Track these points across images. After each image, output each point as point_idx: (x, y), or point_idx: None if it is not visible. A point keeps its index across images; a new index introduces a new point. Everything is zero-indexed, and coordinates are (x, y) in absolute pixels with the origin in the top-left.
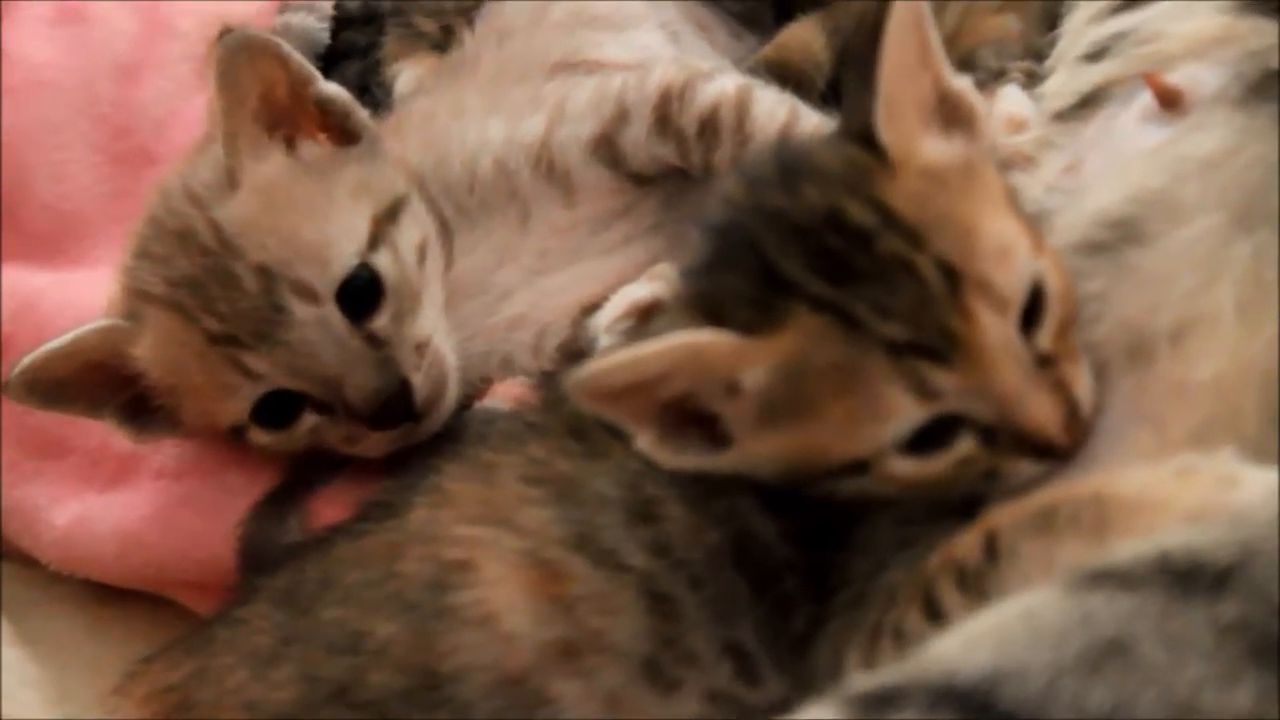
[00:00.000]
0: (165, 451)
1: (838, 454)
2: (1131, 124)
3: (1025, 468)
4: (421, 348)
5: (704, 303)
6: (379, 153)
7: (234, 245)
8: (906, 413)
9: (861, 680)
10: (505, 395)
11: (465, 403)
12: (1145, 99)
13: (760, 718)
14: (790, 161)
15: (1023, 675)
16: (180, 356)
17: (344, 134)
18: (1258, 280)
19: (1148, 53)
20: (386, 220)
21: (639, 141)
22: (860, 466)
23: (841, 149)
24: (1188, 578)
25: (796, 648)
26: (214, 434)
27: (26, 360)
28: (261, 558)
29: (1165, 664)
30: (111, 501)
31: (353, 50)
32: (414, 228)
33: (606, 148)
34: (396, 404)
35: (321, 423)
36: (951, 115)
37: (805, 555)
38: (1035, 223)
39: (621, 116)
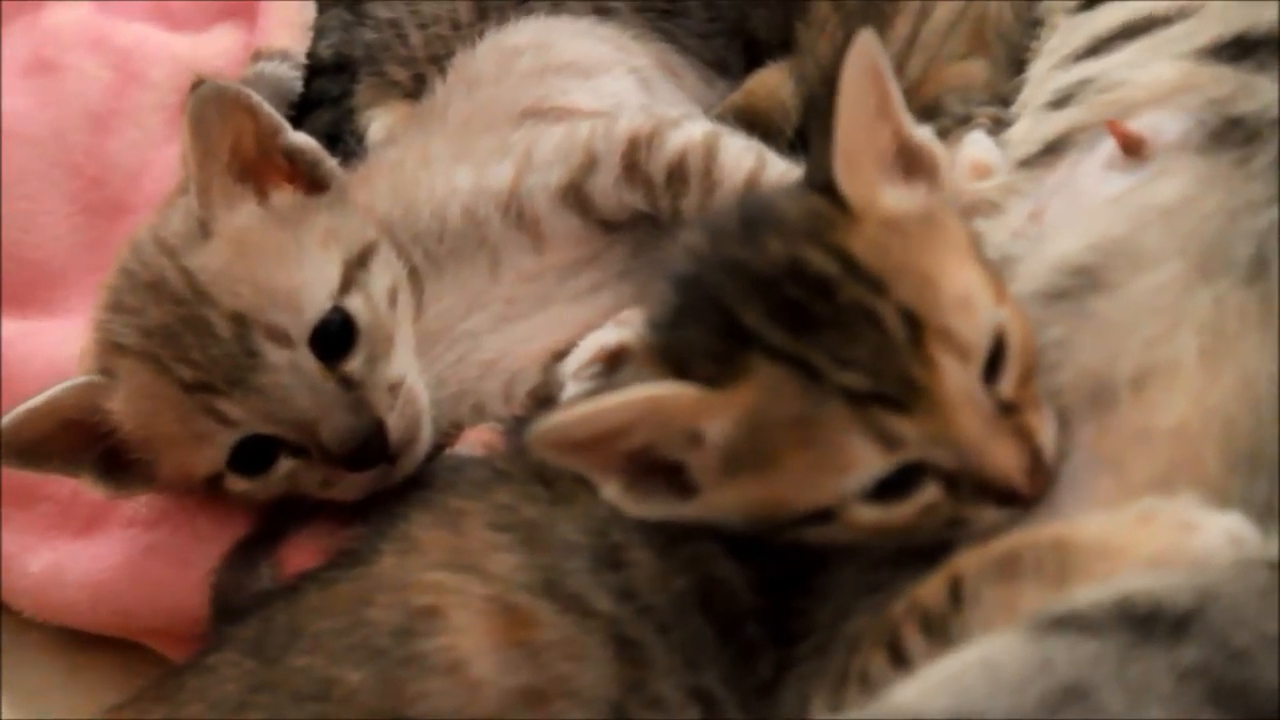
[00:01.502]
0: (137, 500)
1: (802, 503)
2: (1095, 171)
3: (989, 515)
4: (395, 388)
5: (668, 354)
6: (347, 200)
7: (207, 293)
8: (869, 462)
9: None
10: (475, 441)
11: (436, 449)
12: (1108, 146)
13: None
14: (752, 212)
15: None
16: (155, 407)
17: (313, 183)
18: (1218, 328)
19: (1111, 100)
20: (357, 266)
21: (607, 189)
22: (825, 515)
23: (804, 199)
24: (1148, 622)
25: (762, 693)
26: (189, 486)
27: (3, 422)
28: (233, 606)
29: (1124, 708)
30: (83, 550)
31: (325, 98)
32: (384, 273)
33: (575, 195)
34: (372, 445)
35: (298, 466)
36: (913, 165)
37: (771, 602)
38: (998, 271)
39: (590, 165)
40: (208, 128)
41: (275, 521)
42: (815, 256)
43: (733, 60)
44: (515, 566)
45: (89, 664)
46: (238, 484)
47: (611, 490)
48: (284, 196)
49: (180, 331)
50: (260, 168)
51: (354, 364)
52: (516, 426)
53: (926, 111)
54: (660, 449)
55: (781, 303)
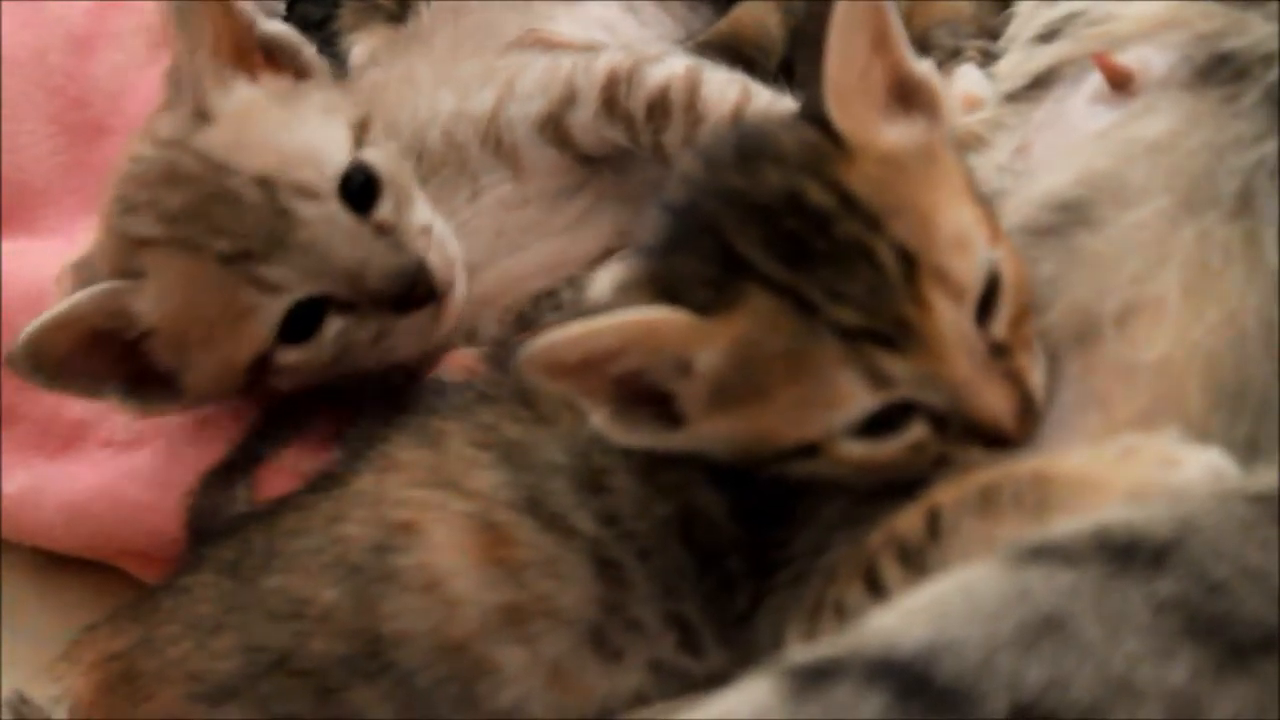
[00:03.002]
0: (114, 420)
1: (788, 437)
2: (1081, 105)
3: (976, 456)
4: (426, 231)
5: (660, 282)
6: (332, 84)
7: (225, 164)
8: (858, 399)
9: (799, 653)
10: (456, 366)
11: (419, 372)
12: (1095, 80)
13: (700, 689)
14: (749, 142)
15: (960, 649)
16: (192, 294)
17: (297, 72)
18: (1203, 264)
19: (1098, 33)
20: (360, 130)
21: (586, 124)
22: (811, 450)
23: (800, 132)
24: (1126, 553)
25: (740, 622)
26: (224, 387)
27: (26, 333)
28: (209, 529)
29: (1101, 639)
30: (60, 471)
31: (308, 23)
32: (385, 139)
33: (553, 128)
34: (420, 282)
35: (347, 324)
36: (912, 98)
37: (751, 532)
38: (992, 209)
39: (569, 98)
40: (188, 20)
41: (252, 445)
42: (813, 190)
43: None
44: (496, 484)
45: (60, 586)
46: (288, 356)
47: (600, 417)
48: (273, 80)
49: (207, 207)
50: (245, 59)
51: (383, 211)
52: (498, 350)
53: (916, 46)
54: (649, 377)
55: (778, 234)
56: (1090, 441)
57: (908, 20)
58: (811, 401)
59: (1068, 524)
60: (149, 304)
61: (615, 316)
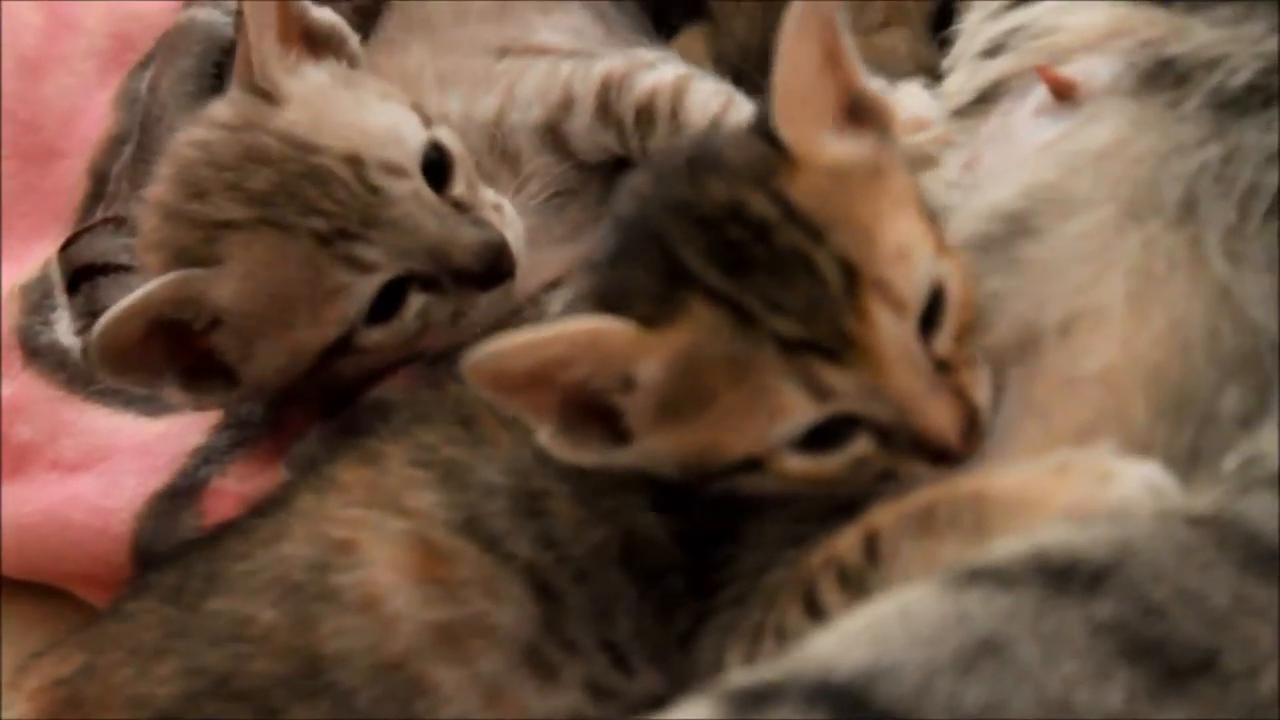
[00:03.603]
0: (62, 443)
1: (732, 451)
2: (1027, 118)
3: (921, 471)
4: (498, 209)
5: (606, 294)
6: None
7: (311, 143)
8: (800, 411)
9: (738, 677)
10: (396, 384)
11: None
12: (1041, 93)
13: (638, 710)
14: (699, 154)
15: (898, 673)
16: (279, 276)
17: (346, 60)
18: (1147, 272)
19: (1043, 46)
20: (421, 112)
21: (582, 131)
22: (755, 464)
23: (748, 144)
24: (1064, 576)
25: (681, 643)
26: (288, 377)
27: (101, 322)
28: (156, 553)
29: (1039, 662)
30: (8, 494)
31: None
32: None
33: (552, 135)
34: (503, 257)
35: (429, 301)
36: (863, 115)
37: (694, 555)
38: (940, 225)
39: (567, 105)
40: (256, 6)
41: (194, 470)
42: (756, 200)
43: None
44: (435, 503)
45: (10, 611)
46: (371, 336)
47: (546, 435)
48: (331, 64)
49: (296, 187)
50: (305, 44)
51: (458, 189)
52: (435, 370)
53: None
54: (595, 390)
55: (721, 243)
56: (1033, 455)
57: None
58: (753, 413)
59: (1006, 545)
60: (225, 289)
61: (559, 326)
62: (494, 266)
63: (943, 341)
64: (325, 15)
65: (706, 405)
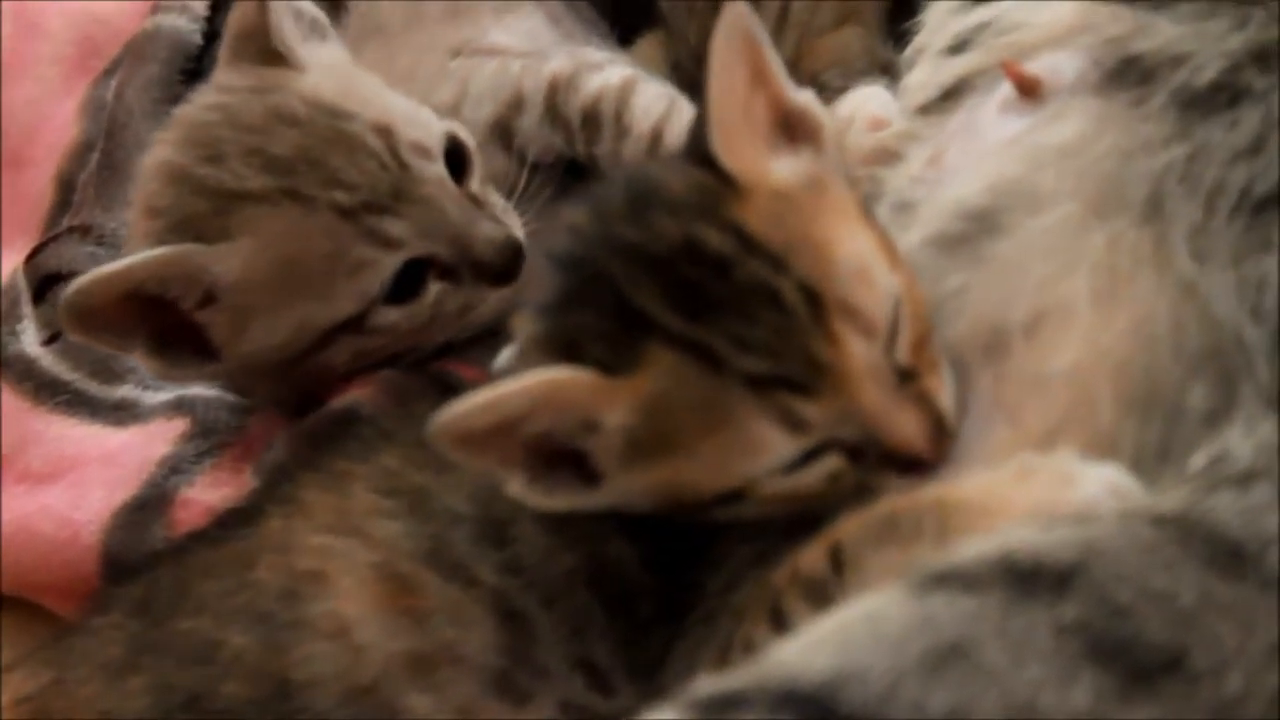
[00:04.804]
0: (30, 454)
1: (712, 487)
2: (992, 114)
3: (893, 481)
4: (507, 210)
5: (561, 341)
6: None
7: (341, 109)
8: (780, 445)
9: (705, 684)
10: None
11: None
12: (1006, 89)
13: None
14: (638, 189)
15: (864, 678)
16: (296, 249)
17: None
18: (1112, 269)
19: (1008, 42)
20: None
21: (532, 130)
22: (735, 496)
23: (688, 174)
24: (1029, 579)
25: (651, 666)
26: (280, 357)
27: (77, 282)
28: (124, 565)
29: (1005, 665)
30: None
31: None
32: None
33: (502, 133)
34: (519, 255)
35: (445, 290)
36: (796, 130)
37: (664, 579)
38: (888, 236)
39: (517, 103)
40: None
41: (165, 479)
42: (710, 235)
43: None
44: (400, 533)
45: None
46: (387, 316)
47: (517, 485)
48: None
49: (322, 154)
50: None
51: (474, 184)
52: (396, 381)
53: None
54: (560, 437)
55: (676, 285)
56: (1003, 456)
57: (796, 64)
58: (730, 452)
59: (971, 548)
60: (231, 266)
61: (520, 380)
62: (511, 264)
63: (902, 351)
64: (308, 8)
65: (680, 446)
